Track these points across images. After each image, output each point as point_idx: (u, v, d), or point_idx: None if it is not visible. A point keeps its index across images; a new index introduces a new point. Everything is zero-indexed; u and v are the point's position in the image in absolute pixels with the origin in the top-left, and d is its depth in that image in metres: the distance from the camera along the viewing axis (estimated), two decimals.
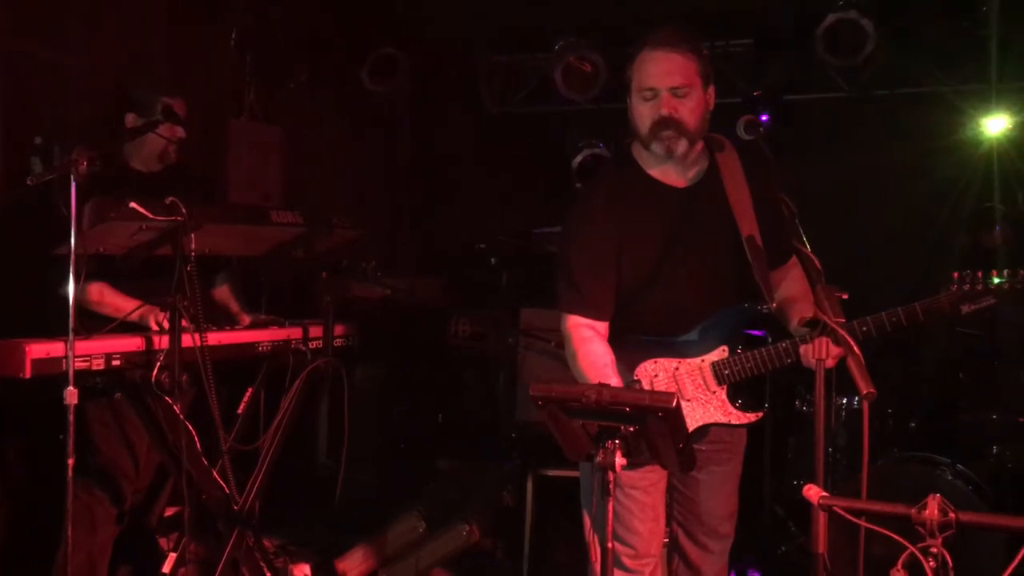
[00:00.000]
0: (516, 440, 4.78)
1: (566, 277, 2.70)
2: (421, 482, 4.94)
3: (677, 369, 2.68)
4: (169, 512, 3.82)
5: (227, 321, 3.52)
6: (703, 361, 2.68)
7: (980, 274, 2.47)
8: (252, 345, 3.33)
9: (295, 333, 3.48)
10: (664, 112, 2.55)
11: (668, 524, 2.88)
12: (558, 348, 4.99)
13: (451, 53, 6.45)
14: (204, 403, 3.11)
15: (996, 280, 2.45)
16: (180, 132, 3.47)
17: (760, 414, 2.70)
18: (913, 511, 1.80)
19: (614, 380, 2.54)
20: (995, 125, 5.21)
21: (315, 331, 3.54)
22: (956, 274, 2.49)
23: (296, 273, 4.92)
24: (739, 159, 2.72)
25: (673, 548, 2.93)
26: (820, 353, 2.23)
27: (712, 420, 2.68)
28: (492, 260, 6.16)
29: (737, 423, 2.69)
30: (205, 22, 5.11)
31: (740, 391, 2.68)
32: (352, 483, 4.74)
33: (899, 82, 5.51)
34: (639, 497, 2.72)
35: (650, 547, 2.79)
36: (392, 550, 4.18)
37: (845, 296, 2.27)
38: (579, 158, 6.14)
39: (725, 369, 2.65)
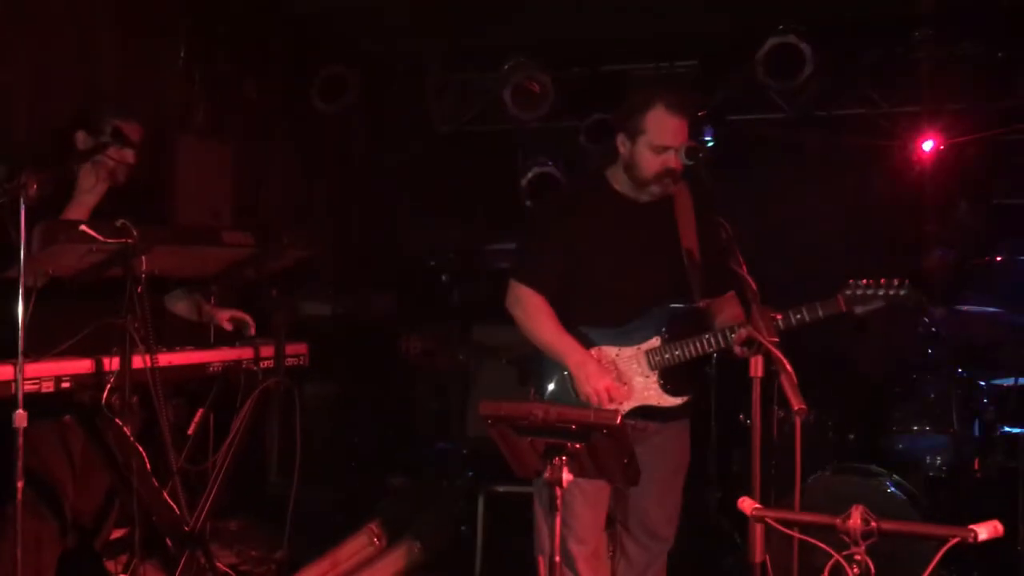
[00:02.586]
0: (468, 456, 4.83)
1: (529, 255, 3.12)
2: (374, 499, 4.96)
3: (617, 356, 3.02)
4: (116, 535, 3.79)
5: (198, 327, 3.53)
6: (639, 349, 3.01)
7: (871, 281, 2.79)
8: (203, 366, 3.33)
9: (246, 353, 3.48)
10: (672, 166, 2.96)
11: (613, 523, 3.15)
12: (509, 364, 5.09)
13: (401, 72, 6.50)
14: (152, 424, 3.11)
15: (882, 286, 2.77)
16: (129, 157, 3.43)
17: (687, 398, 3.03)
18: (838, 521, 1.90)
19: (566, 339, 2.98)
20: (928, 146, 5.40)
21: (266, 351, 3.55)
22: (851, 280, 2.80)
23: (243, 292, 4.92)
24: (689, 189, 3.08)
25: (614, 548, 3.19)
26: (755, 371, 2.34)
27: (647, 402, 3.00)
28: (443, 277, 6.23)
29: (667, 405, 3.01)
30: (153, 39, 5.10)
31: (670, 377, 3.01)
32: (304, 502, 4.74)
33: (837, 104, 5.69)
34: (583, 484, 2.88)
35: (591, 532, 3.05)
36: (345, 568, 4.20)
37: (779, 316, 2.39)
38: (528, 176, 6.23)
39: (657, 356, 2.99)
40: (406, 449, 5.89)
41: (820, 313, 2.82)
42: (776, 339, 2.29)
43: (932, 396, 4.24)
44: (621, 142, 3.02)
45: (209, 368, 3.36)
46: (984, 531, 1.80)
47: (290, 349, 3.63)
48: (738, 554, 4.57)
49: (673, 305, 3.03)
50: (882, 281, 2.76)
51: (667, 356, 2.97)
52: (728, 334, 2.89)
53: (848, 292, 2.79)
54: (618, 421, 2.25)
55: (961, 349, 4.40)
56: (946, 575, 3.76)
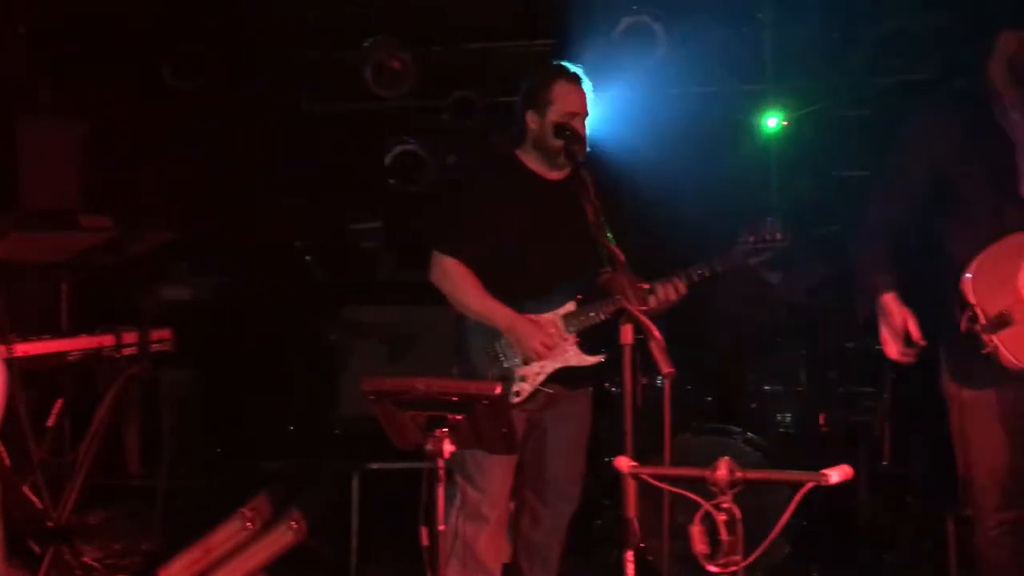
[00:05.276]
0: (341, 436, 4.82)
1: (452, 226, 3.26)
2: (246, 486, 4.87)
3: (536, 321, 3.17)
4: None
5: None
6: (556, 314, 3.21)
7: (761, 235, 3.13)
8: (62, 354, 3.23)
9: (107, 340, 3.40)
10: (581, 133, 3.19)
11: (518, 488, 3.28)
12: (379, 344, 5.09)
13: (261, 49, 6.34)
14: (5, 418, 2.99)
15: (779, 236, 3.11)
16: None
17: (602, 357, 3.23)
18: (707, 472, 2.04)
19: (493, 303, 3.14)
20: (771, 122, 5.71)
21: (128, 337, 3.46)
22: (747, 235, 3.13)
23: (98, 278, 4.73)
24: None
25: (523, 509, 3.31)
26: (625, 339, 2.46)
27: (567, 363, 3.20)
28: (307, 257, 6.16)
29: (586, 364, 3.23)
30: None
31: (587, 339, 3.22)
32: (173, 492, 4.63)
33: (688, 81, 5.91)
34: None
35: (501, 492, 3.19)
36: (219, 554, 4.13)
37: (647, 286, 2.54)
38: (392, 155, 6.21)
39: (573, 319, 3.20)
40: (278, 432, 5.80)
41: (719, 268, 3.12)
42: (645, 307, 2.41)
43: (782, 359, 4.54)
44: (531, 119, 3.22)
45: (68, 357, 3.26)
46: (836, 475, 1.97)
47: (153, 335, 3.55)
48: (606, 515, 4.75)
49: (585, 273, 3.16)
50: (775, 234, 3.10)
51: (582, 318, 3.18)
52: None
53: (742, 246, 3.11)
54: (497, 391, 2.32)
55: (804, 313, 4.72)
56: (795, 522, 4.04)
